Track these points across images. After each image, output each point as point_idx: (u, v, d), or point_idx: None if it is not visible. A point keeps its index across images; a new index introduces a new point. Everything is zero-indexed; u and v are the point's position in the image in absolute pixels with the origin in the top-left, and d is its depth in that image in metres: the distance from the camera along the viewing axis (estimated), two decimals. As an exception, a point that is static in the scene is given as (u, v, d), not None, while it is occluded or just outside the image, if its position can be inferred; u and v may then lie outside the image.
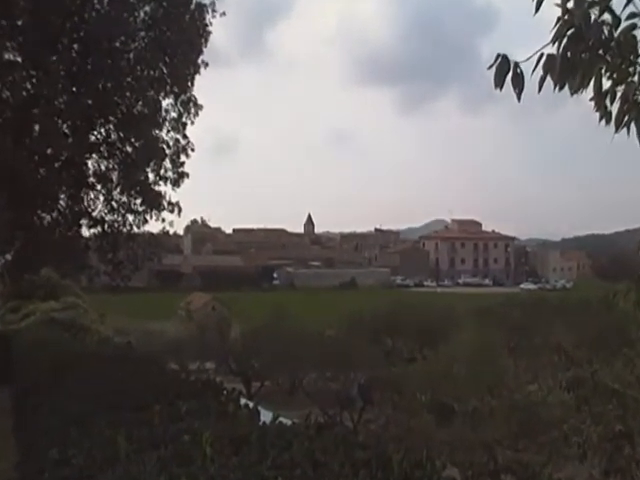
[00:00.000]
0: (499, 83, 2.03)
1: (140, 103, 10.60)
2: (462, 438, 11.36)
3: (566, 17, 1.93)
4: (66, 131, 10.16)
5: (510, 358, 15.97)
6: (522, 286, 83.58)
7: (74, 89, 9.78)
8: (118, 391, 3.79)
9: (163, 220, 11.75)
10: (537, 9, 1.95)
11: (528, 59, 2.00)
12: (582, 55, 1.93)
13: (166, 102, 11.16)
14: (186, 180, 11.75)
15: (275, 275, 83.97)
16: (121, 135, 10.84)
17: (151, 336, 26.45)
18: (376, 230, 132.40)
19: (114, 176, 11.21)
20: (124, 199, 11.36)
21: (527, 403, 11.48)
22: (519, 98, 2.04)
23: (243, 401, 3.51)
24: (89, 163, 11.02)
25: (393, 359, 21.84)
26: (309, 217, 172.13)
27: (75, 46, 9.81)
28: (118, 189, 11.30)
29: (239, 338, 23.94)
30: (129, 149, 11.00)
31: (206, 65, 11.06)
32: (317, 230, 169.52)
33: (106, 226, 11.45)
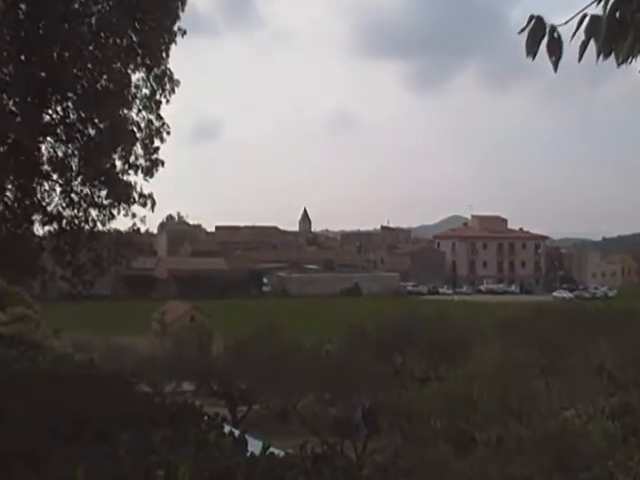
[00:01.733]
0: (532, 51, 1.99)
1: (105, 77, 10.54)
2: (484, 472, 11.34)
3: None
4: (13, 109, 10.07)
5: (542, 379, 15.96)
6: (555, 294, 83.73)
7: (22, 58, 9.69)
8: (78, 418, 3.74)
9: (133, 215, 11.69)
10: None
11: (567, 22, 1.95)
12: (634, 15, 1.88)
13: (136, 76, 11.10)
14: (161, 169, 11.69)
15: (265, 280, 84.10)
16: (82, 115, 10.77)
17: (118, 353, 26.47)
18: (383, 228, 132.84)
19: (74, 163, 11.15)
20: (86, 191, 11.31)
21: (563, 433, 11.45)
22: (556, 68, 2.00)
23: (227, 428, 3.48)
24: (43, 148, 10.96)
25: (403, 379, 21.84)
26: (305, 213, 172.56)
27: (22, 6, 9.71)
28: (79, 179, 11.24)
29: (223, 354, 23.96)
30: (92, 131, 10.94)
31: (184, 33, 11.01)
32: (314, 228, 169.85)
33: (64, 222, 11.39)
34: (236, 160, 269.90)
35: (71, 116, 10.80)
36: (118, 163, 11.50)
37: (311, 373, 19.49)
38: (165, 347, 27.02)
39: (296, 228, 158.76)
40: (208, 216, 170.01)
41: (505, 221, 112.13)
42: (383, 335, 25.38)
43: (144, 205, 11.95)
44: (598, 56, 1.97)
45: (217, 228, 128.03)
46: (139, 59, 10.85)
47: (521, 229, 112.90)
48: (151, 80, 11.28)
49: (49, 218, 11.37)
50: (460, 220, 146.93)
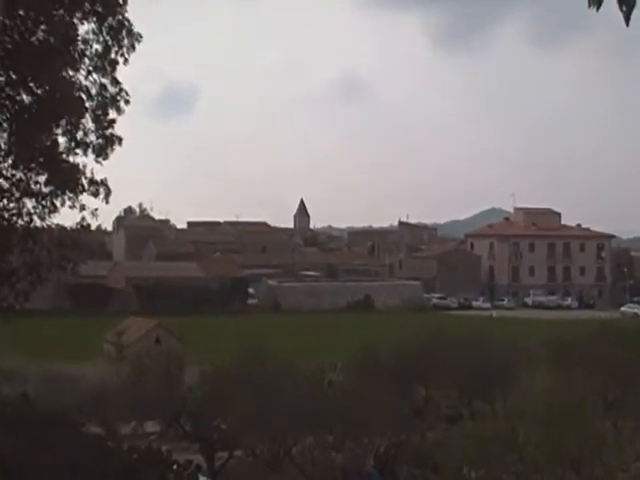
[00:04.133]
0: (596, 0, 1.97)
1: (43, 27, 10.52)
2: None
3: None
4: None
5: (608, 419, 15.92)
6: (624, 309, 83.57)
7: None
8: (6, 470, 3.69)
9: (82, 208, 11.71)
10: None
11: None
12: None
13: (85, 28, 11.09)
14: (117, 148, 11.70)
15: (251, 291, 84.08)
16: (13, 76, 10.75)
17: (61, 384, 26.40)
18: (401, 224, 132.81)
19: (1, 140, 11.14)
20: (19, 175, 11.30)
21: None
22: (627, 20, 1.96)
23: (203, 479, 3.43)
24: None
25: (427, 417, 21.82)
26: (302, 205, 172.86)
27: None
28: (9, 160, 11.23)
29: (197, 386, 23.90)
30: (26, 98, 10.93)
31: (145, -29, 11.02)
32: (314, 225, 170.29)
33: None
34: (215, 139, 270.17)
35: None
36: (61, 140, 11.50)
37: (310, 409, 19.47)
38: (122, 377, 26.91)
39: (291, 225, 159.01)
40: (179, 209, 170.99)
41: (558, 215, 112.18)
42: (401, 361, 25.35)
43: (96, 194, 11.94)
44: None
45: (190, 224, 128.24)
46: (87, 5, 10.84)
47: (579, 226, 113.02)
48: (104, 33, 11.25)
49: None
50: (500, 214, 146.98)
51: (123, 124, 11.90)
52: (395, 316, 67.73)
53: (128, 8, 11.23)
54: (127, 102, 11.68)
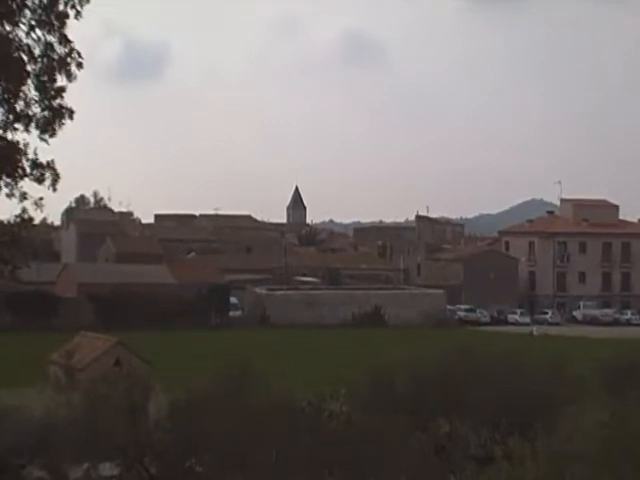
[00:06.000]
0: None
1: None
2: None
3: None
4: None
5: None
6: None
7: None
8: None
9: (23, 197, 11.70)
10: None
11: None
12: None
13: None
14: (68, 123, 11.67)
15: (234, 300, 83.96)
16: None
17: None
18: (419, 219, 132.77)
19: None
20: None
21: None
22: None
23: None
24: None
25: (452, 457, 21.84)
26: (297, 195, 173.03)
27: None
28: None
29: (165, 419, 23.91)
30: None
31: None
32: (311, 219, 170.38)
33: None
34: (189, 112, 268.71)
35: None
36: (-4, 111, 11.45)
37: (306, 447, 19.52)
38: (73, 407, 26.92)
39: (283, 219, 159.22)
40: (144, 199, 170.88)
41: (616, 208, 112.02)
42: (420, 388, 25.38)
43: (40, 180, 11.93)
44: None
45: (158, 218, 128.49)
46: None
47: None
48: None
49: None
50: (542, 207, 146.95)
51: (75, 93, 11.89)
52: (411, 332, 67.62)
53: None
54: (80, 66, 11.66)
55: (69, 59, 11.89)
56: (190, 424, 22.26)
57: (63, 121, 12.06)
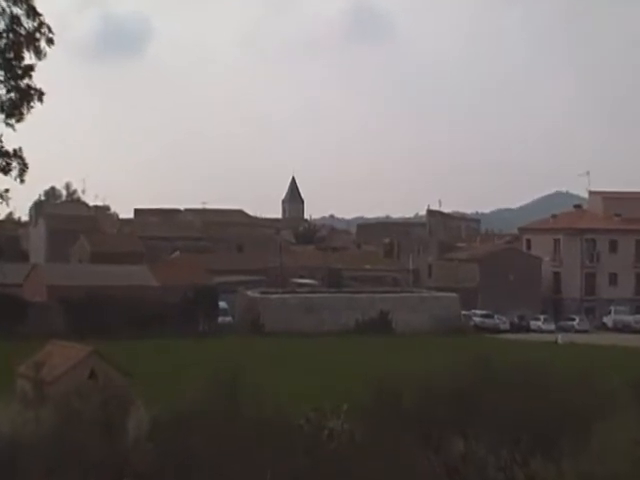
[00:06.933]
0: None
1: None
2: None
3: None
4: None
5: None
6: None
7: None
8: None
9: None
10: None
11: None
12: None
13: None
14: (38, 106, 11.64)
15: (223, 305, 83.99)
16: None
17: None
18: (430, 214, 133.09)
19: None
20: None
21: None
22: None
23: None
24: None
25: (468, 478, 21.82)
26: (293, 187, 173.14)
27: None
28: None
29: (146, 437, 23.88)
30: None
31: None
32: (310, 215, 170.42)
33: None
34: (174, 93, 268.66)
35: None
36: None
37: (304, 470, 19.53)
38: (43, 425, 26.93)
39: (278, 214, 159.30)
40: (122, 191, 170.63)
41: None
42: (431, 403, 25.39)
43: (6, 171, 11.91)
44: None
45: (138, 213, 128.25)
46: None
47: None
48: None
49: None
50: (568, 200, 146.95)
51: (45, 72, 11.85)
52: (421, 341, 67.69)
53: None
54: (51, 42, 11.63)
55: (38, 34, 11.85)
56: (175, 442, 22.25)
57: (32, 104, 12.03)
